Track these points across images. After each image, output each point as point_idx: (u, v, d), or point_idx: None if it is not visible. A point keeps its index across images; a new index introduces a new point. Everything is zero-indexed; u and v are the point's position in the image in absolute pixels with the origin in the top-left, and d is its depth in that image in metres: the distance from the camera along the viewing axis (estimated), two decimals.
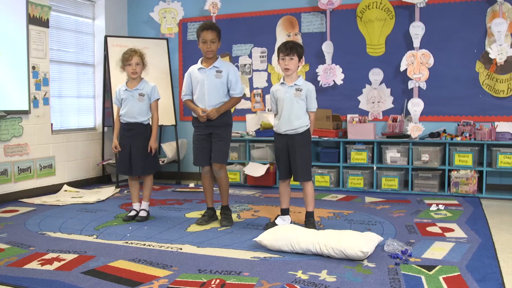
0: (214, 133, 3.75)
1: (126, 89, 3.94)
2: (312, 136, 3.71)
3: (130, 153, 3.93)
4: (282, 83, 3.62)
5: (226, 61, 3.91)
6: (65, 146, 5.56)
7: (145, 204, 4.06)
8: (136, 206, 4.06)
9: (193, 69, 3.82)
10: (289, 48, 3.53)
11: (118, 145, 3.98)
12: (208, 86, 3.70)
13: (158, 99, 4.01)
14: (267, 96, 5.95)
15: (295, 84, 3.57)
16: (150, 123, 4.03)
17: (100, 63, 6.11)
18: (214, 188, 3.91)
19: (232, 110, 4.12)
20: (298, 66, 3.62)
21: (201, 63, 3.78)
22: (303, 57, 3.66)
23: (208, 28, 3.68)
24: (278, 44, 5.86)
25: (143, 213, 4.01)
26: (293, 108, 3.56)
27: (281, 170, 3.70)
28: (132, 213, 4.03)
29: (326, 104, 5.44)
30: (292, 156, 3.60)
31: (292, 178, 3.71)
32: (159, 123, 5.92)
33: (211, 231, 3.61)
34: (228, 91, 3.76)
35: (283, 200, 3.73)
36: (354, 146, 5.25)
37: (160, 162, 5.95)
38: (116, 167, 4.07)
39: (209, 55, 3.72)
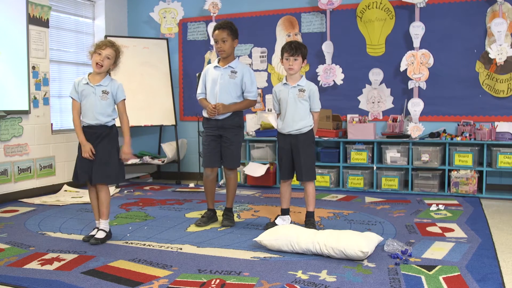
0: (224, 136, 3.73)
1: (87, 83, 3.32)
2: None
3: (91, 160, 3.31)
4: (285, 83, 3.61)
5: (243, 62, 3.87)
6: (65, 146, 5.56)
7: (104, 223, 3.37)
8: (98, 223, 3.44)
9: (209, 67, 3.82)
10: (294, 48, 3.52)
11: (91, 149, 3.30)
12: (220, 85, 3.69)
13: (124, 99, 3.42)
14: (267, 96, 5.94)
15: (298, 85, 3.57)
16: (116, 124, 3.44)
17: None
18: (217, 189, 3.89)
19: None
20: (301, 67, 3.62)
21: (218, 62, 3.77)
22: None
23: (218, 28, 3.68)
24: (278, 44, 5.87)
25: (100, 234, 3.33)
26: (297, 109, 3.56)
27: (284, 170, 3.69)
28: (94, 231, 3.41)
29: (326, 104, 5.43)
30: (296, 156, 3.59)
31: (294, 178, 3.71)
32: (159, 123, 5.99)
33: (211, 231, 3.61)
34: (243, 92, 3.75)
35: (284, 200, 3.73)
36: (354, 146, 5.25)
37: (160, 162, 5.96)
38: (73, 175, 3.40)
39: (222, 55, 3.71)
